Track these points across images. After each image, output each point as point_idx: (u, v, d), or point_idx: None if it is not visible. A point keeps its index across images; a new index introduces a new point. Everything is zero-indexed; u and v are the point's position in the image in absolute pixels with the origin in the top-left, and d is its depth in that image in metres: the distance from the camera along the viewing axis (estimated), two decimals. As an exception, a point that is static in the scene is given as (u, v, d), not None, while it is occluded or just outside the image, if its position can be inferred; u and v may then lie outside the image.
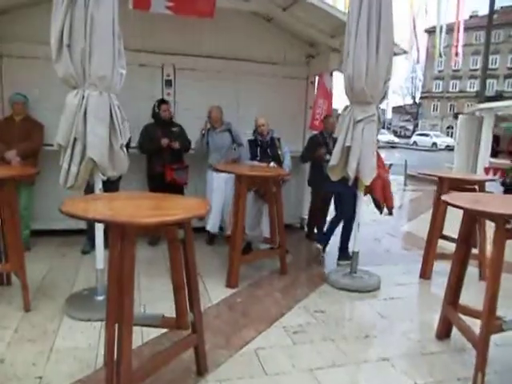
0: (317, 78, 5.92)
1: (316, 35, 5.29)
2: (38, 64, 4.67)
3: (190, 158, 5.26)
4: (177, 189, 5.08)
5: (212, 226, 5.04)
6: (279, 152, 4.78)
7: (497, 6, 13.20)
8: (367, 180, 3.86)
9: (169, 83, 5.42)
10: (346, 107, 3.94)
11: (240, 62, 5.57)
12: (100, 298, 3.37)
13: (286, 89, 5.83)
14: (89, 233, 4.54)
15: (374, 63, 3.66)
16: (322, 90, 5.84)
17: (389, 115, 53.37)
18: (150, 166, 5.08)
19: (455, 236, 4.59)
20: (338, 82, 6.44)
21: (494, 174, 9.47)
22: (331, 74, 5.69)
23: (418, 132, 42.61)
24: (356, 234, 4.14)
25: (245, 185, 3.87)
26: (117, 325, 2.18)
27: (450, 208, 3.18)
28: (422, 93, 54.26)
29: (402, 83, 54.08)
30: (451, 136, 42.89)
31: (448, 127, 49.19)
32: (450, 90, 51.03)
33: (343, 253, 4.76)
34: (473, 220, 2.86)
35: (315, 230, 5.76)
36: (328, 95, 5.83)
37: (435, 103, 52.59)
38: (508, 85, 45.21)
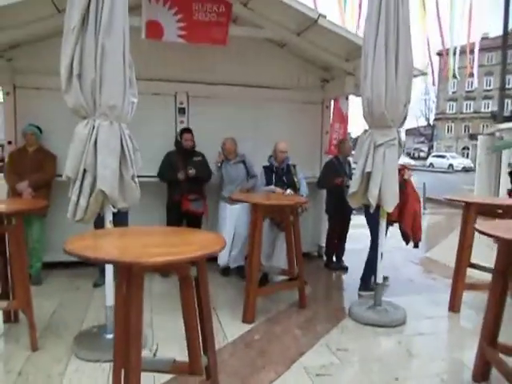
0: (332, 102, 5.81)
1: (330, 59, 5.19)
2: (50, 95, 4.63)
3: (210, 189, 5.16)
4: (194, 219, 4.96)
5: (222, 259, 4.86)
6: (295, 179, 4.62)
7: (510, 26, 13.01)
8: (389, 207, 3.66)
9: (182, 111, 5.36)
10: (365, 131, 3.78)
11: (254, 88, 5.50)
12: (109, 336, 3.18)
13: (301, 114, 5.73)
14: (101, 265, 4.40)
15: (394, 85, 3.52)
16: (337, 115, 5.73)
17: (403, 137, 53.16)
18: (168, 195, 5.00)
19: (484, 264, 4.39)
20: (352, 105, 6.36)
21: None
22: (347, 98, 5.58)
23: (433, 154, 42.15)
24: (379, 264, 3.91)
25: (261, 214, 3.71)
26: (123, 371, 2.01)
27: (476, 233, 2.97)
28: (436, 114, 54.03)
29: (415, 105, 53.83)
30: (467, 157, 42.37)
31: (463, 148, 48.66)
32: (464, 110, 50.70)
33: (365, 283, 4.52)
34: (511, 250, 2.63)
35: (334, 259, 5.56)
36: (344, 119, 5.71)
37: (449, 124, 52.21)
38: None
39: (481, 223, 3.01)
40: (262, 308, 3.91)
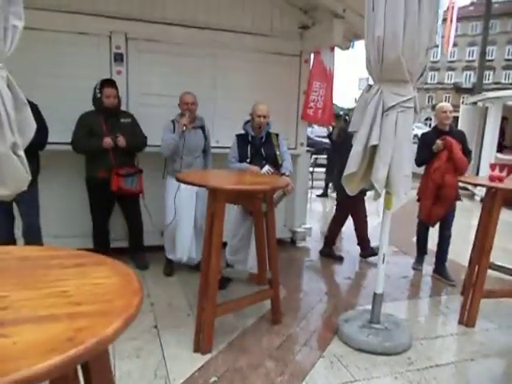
0: (312, 55, 4.66)
1: (313, -4, 4.04)
2: None
3: (146, 159, 3.95)
4: (129, 201, 3.82)
5: (177, 253, 3.75)
6: (277, 152, 3.51)
7: None
8: (400, 195, 2.65)
9: (119, 58, 4.06)
10: (370, 88, 2.70)
11: (215, 31, 4.26)
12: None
13: (274, 68, 4.56)
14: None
15: (416, 20, 2.42)
16: (318, 70, 4.59)
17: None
18: (89, 170, 3.77)
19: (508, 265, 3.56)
20: (342, 60, 5.24)
21: (501, 172, 8.31)
22: (332, 50, 4.44)
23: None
24: (380, 268, 2.93)
25: (221, 202, 2.59)
26: None
27: None
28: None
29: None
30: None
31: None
32: (429, 81, 50.58)
33: (365, 247, 4.63)
34: None
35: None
36: (327, 77, 4.58)
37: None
38: (487, 77, 45.00)
39: None
40: (221, 326, 2.88)
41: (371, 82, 2.73)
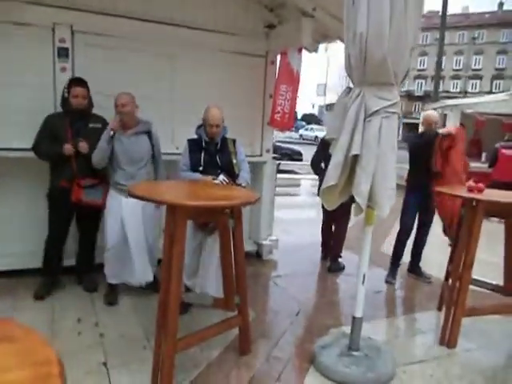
0: (278, 56, 4.36)
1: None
2: None
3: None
4: (89, 215, 3.42)
5: (135, 277, 3.30)
6: (233, 160, 3.16)
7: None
8: (384, 210, 2.38)
9: (64, 53, 3.57)
10: (350, 91, 2.43)
11: (171, 27, 3.86)
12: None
13: (237, 69, 4.22)
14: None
15: (402, 18, 2.18)
16: (285, 72, 4.28)
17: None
18: (51, 178, 3.35)
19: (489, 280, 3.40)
20: (306, 63, 5.03)
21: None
22: (299, 51, 4.17)
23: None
24: (359, 289, 2.65)
25: (183, 221, 2.22)
26: None
27: None
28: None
29: (340, 81, 54.12)
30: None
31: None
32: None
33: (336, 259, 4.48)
34: None
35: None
36: (293, 80, 4.28)
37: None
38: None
39: None
40: (182, 361, 2.50)
41: (351, 84, 2.46)
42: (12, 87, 3.39)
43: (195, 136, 3.20)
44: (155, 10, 3.81)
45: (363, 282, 2.62)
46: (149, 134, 3.36)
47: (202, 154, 3.13)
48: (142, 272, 3.26)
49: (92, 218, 3.46)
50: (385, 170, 2.32)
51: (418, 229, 4.26)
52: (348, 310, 3.39)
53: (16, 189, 3.59)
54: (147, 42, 3.81)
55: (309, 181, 12.56)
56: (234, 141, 3.26)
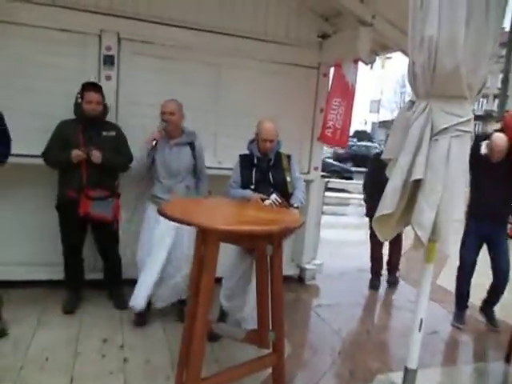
0: (332, 68, 4.06)
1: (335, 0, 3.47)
2: None
3: (127, 182, 3.37)
4: (103, 229, 3.23)
5: (139, 298, 3.04)
6: (287, 178, 2.90)
7: None
8: (448, 246, 2.01)
9: (109, 61, 3.49)
10: (411, 104, 2.09)
11: (219, 35, 3.70)
12: None
13: (287, 81, 3.97)
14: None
15: (483, 16, 1.83)
16: (338, 85, 3.97)
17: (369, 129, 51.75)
18: (59, 187, 3.19)
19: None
20: (362, 76, 4.73)
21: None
22: (356, 63, 3.85)
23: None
24: (415, 337, 2.27)
25: (213, 246, 1.97)
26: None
27: None
28: (412, 108, 52.91)
29: (391, 97, 52.63)
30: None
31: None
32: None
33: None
34: None
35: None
36: (348, 94, 3.98)
37: (424, 119, 51.23)
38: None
39: None
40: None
41: (413, 97, 2.13)
42: (53, 94, 3.31)
43: (247, 151, 2.98)
44: (203, 19, 3.66)
45: (420, 329, 2.23)
46: (192, 145, 3.16)
47: (254, 171, 2.90)
48: (135, 295, 3.02)
49: (107, 232, 3.25)
50: (453, 198, 1.95)
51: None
52: (398, 352, 3.02)
53: (44, 194, 3.48)
54: (194, 51, 3.67)
55: (357, 200, 12.06)
56: (288, 156, 3.00)
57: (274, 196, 2.80)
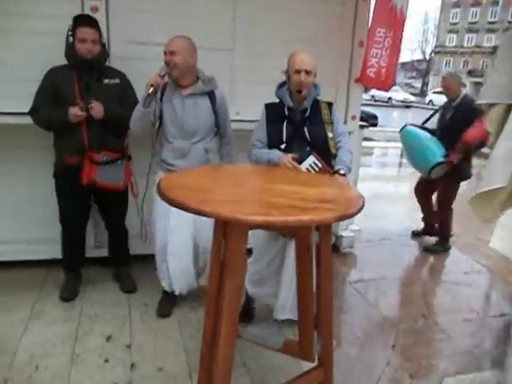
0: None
1: None
2: None
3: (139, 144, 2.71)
4: (110, 199, 2.65)
5: (171, 283, 2.54)
6: (329, 134, 2.22)
7: None
8: None
9: (95, -12, 2.74)
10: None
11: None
12: None
13: (316, 8, 3.15)
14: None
15: None
16: (383, 12, 3.17)
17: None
18: (56, 152, 2.58)
19: None
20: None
21: None
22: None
23: (434, 90, 39.01)
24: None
25: (239, 241, 1.35)
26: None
27: None
28: (436, 47, 50.01)
29: (413, 35, 49.44)
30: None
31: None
32: (465, 44, 46.82)
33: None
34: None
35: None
36: (396, 21, 3.17)
37: (448, 59, 48.37)
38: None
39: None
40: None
41: None
42: (32, 33, 2.62)
43: (275, 100, 2.31)
44: None
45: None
46: (211, 95, 2.45)
47: (284, 125, 2.24)
48: (186, 282, 2.50)
49: (115, 201, 2.69)
50: None
51: None
52: (465, 344, 2.46)
53: (36, 160, 2.88)
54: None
55: (380, 149, 11.26)
56: (330, 105, 2.32)
57: (311, 158, 2.15)
